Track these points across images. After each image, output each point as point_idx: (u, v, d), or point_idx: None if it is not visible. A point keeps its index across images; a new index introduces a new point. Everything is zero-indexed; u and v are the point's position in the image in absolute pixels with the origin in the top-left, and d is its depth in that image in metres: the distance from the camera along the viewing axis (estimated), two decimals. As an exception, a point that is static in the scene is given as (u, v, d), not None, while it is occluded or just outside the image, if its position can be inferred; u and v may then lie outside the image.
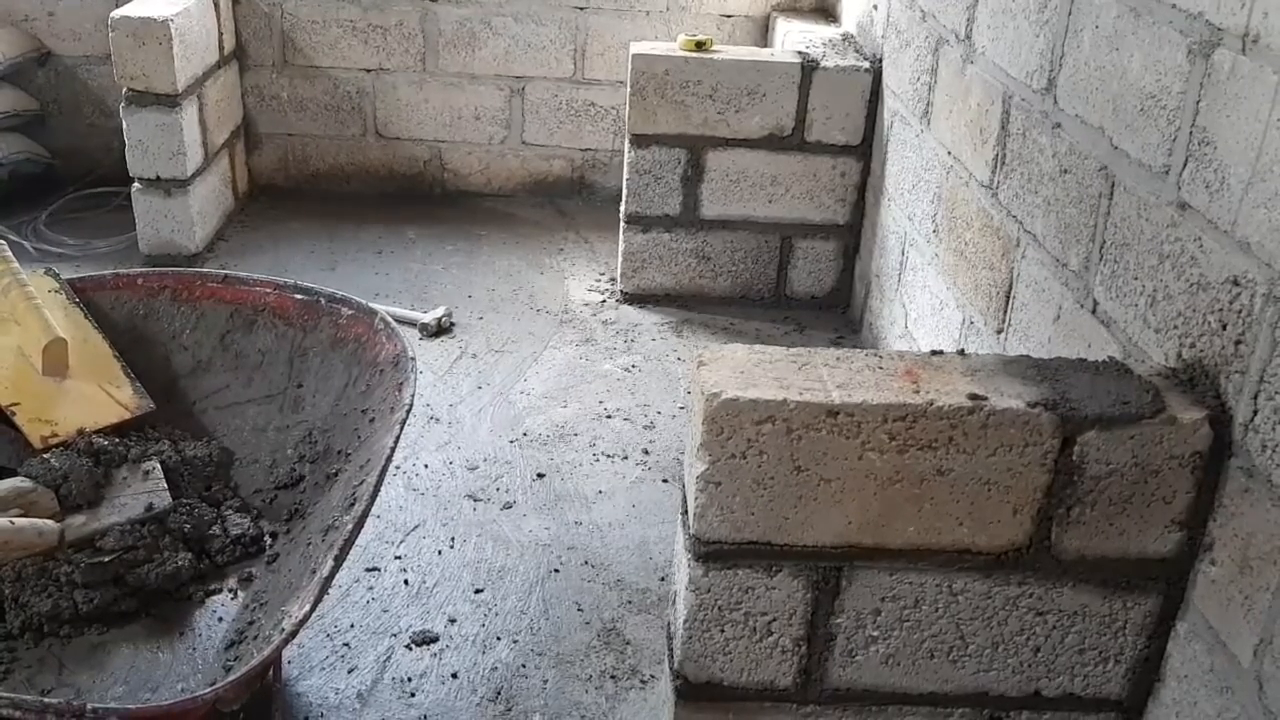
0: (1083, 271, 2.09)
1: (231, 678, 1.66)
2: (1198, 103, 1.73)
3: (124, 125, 3.67)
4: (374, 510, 2.36)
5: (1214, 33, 1.69)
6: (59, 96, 4.33)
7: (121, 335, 2.46)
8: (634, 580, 2.49)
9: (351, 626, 2.29)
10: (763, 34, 4.32)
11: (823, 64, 3.50)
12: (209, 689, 1.64)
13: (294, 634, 1.71)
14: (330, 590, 2.28)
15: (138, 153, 3.69)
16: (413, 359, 2.20)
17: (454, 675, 2.19)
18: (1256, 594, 1.55)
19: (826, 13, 4.24)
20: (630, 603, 2.42)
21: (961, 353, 1.78)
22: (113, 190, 4.15)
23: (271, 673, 2.04)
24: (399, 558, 2.51)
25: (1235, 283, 1.61)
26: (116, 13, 3.60)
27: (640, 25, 4.28)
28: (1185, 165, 1.76)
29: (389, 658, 2.22)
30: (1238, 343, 1.60)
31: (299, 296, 2.44)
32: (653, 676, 2.21)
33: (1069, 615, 1.74)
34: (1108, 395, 1.65)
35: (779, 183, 3.61)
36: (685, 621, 1.75)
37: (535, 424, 3.06)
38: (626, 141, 3.58)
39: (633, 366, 3.38)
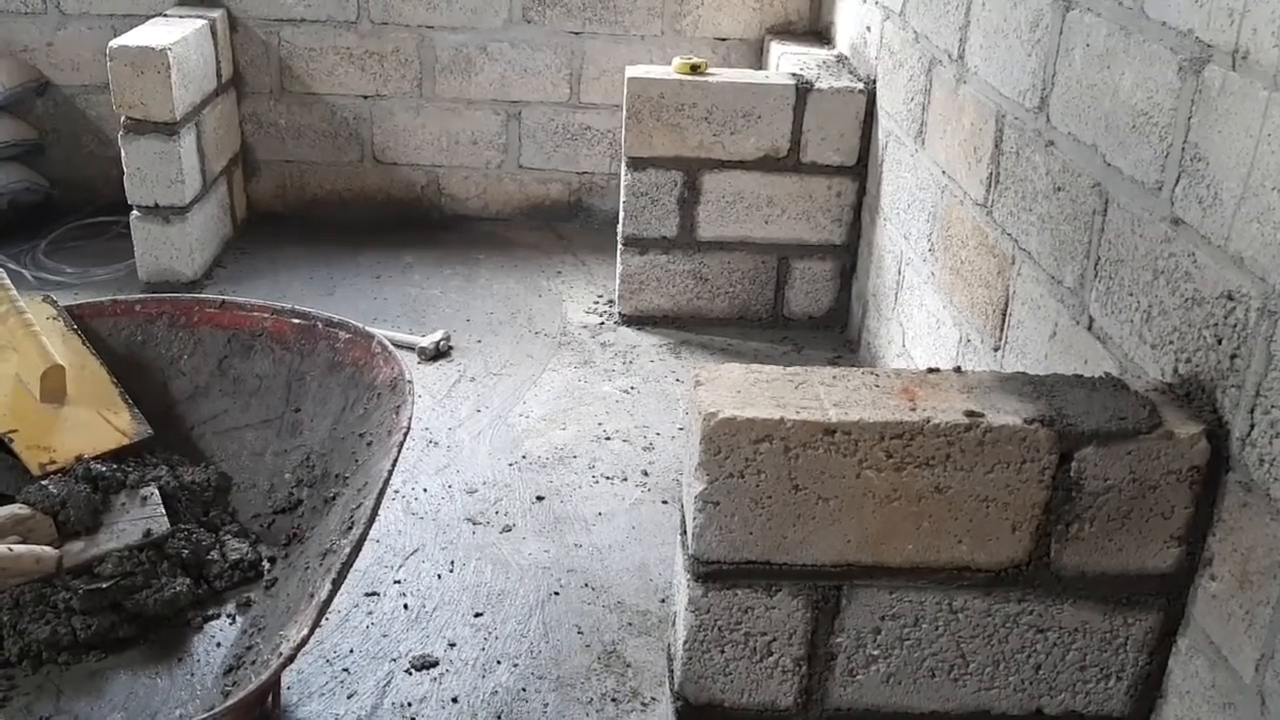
0: (1078, 288, 2.10)
1: (229, 703, 1.66)
2: (1189, 119, 1.74)
3: (122, 153, 3.68)
4: (373, 534, 2.36)
5: (1204, 49, 1.70)
6: (58, 126, 4.35)
7: (119, 361, 2.46)
8: (634, 602, 2.48)
9: (351, 652, 2.28)
10: (757, 57, 4.34)
11: (817, 85, 3.52)
12: (207, 714, 1.64)
13: (291, 658, 1.70)
14: (329, 615, 2.28)
15: (136, 180, 3.71)
16: (410, 382, 2.20)
17: (454, 700, 2.18)
18: (1257, 609, 1.54)
19: (820, 35, 4.27)
20: (631, 625, 2.41)
21: (958, 370, 1.79)
22: (112, 219, 4.16)
23: (271, 699, 2.03)
24: (398, 582, 2.50)
25: (1229, 297, 1.62)
26: (115, 42, 3.62)
27: (635, 50, 4.31)
28: (1178, 181, 1.76)
29: (389, 683, 2.21)
30: (1233, 357, 1.61)
31: (296, 321, 2.44)
32: (654, 699, 2.20)
33: (1070, 632, 1.74)
34: (1104, 411, 1.65)
35: (775, 204, 3.63)
36: (685, 643, 1.75)
37: (534, 446, 3.05)
38: (623, 164, 3.60)
39: (631, 388, 3.38)
